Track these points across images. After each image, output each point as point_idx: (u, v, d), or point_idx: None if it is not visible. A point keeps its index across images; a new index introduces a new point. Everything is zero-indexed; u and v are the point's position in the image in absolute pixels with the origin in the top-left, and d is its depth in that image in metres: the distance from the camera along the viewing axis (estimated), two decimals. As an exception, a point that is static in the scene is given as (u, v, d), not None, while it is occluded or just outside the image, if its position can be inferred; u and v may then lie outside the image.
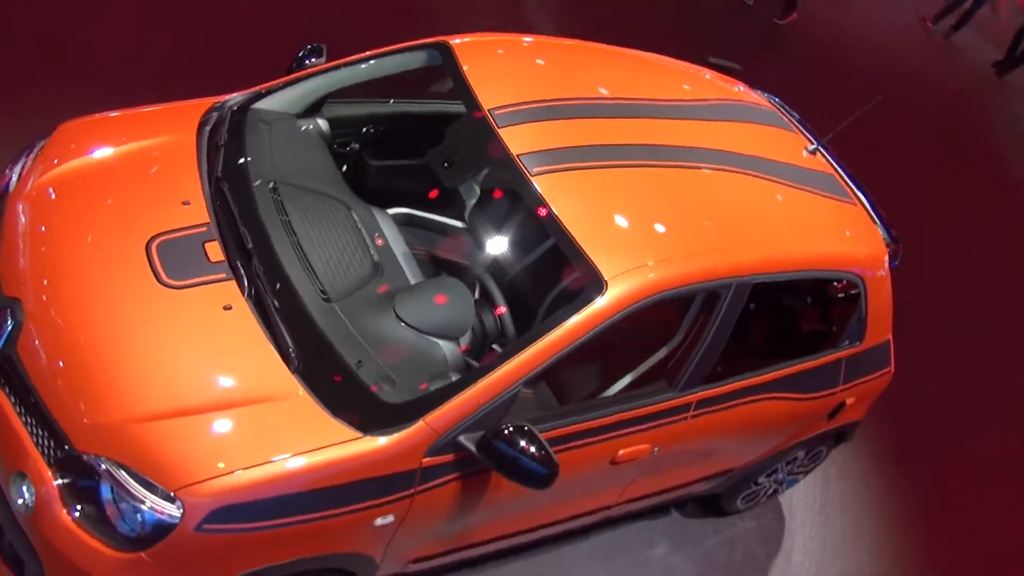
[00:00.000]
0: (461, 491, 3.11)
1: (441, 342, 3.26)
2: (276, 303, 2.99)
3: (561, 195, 3.25)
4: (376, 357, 3.05)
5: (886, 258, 4.09)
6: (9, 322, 2.88)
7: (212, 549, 2.69)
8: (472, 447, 2.94)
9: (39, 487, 2.71)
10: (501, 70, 3.72)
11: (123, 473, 2.65)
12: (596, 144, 3.48)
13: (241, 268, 3.04)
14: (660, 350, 3.53)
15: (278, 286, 3.03)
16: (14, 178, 3.28)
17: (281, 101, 3.69)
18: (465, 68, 3.58)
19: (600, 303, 3.05)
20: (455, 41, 3.72)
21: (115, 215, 3.12)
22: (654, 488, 3.99)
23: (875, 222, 4.21)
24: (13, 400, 2.81)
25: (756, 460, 4.32)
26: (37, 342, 2.83)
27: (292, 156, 3.52)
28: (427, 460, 2.93)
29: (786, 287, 4.19)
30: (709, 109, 4.09)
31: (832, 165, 4.36)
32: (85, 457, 2.67)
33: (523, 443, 2.90)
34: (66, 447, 2.69)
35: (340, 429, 2.81)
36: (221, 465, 2.67)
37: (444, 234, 4.14)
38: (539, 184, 3.24)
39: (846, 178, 4.34)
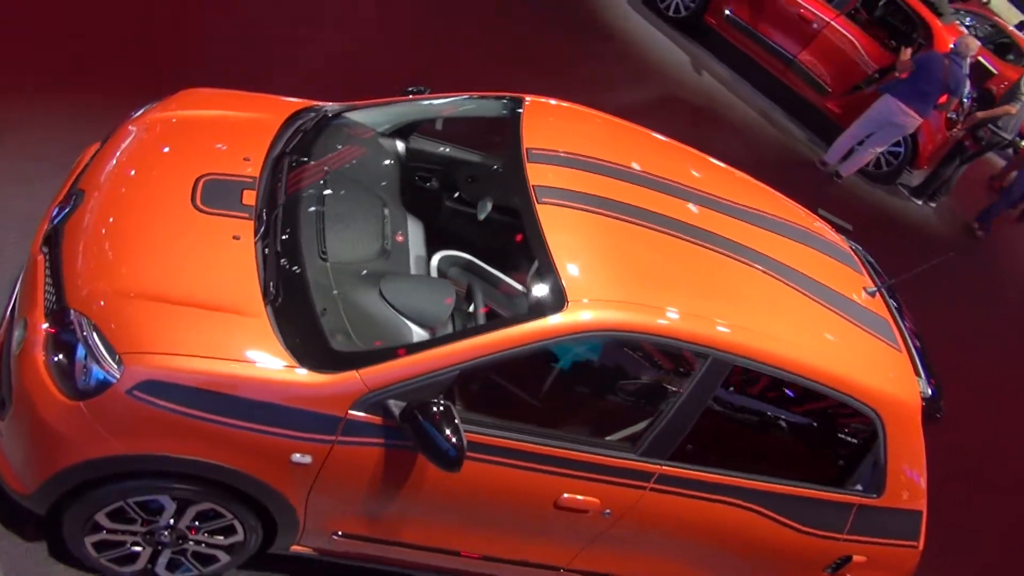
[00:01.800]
0: (384, 464, 3.24)
1: (413, 327, 3.48)
2: (278, 247, 3.38)
3: (557, 223, 3.47)
4: (342, 312, 3.34)
5: (917, 411, 3.88)
6: (70, 206, 3.46)
7: (137, 417, 2.99)
8: (396, 412, 3.11)
9: (32, 331, 3.17)
10: (555, 125, 4.06)
11: (94, 334, 3.06)
12: (619, 200, 3.69)
13: (264, 214, 3.48)
14: (624, 403, 3.54)
15: (286, 234, 3.43)
16: (135, 115, 3.95)
17: (369, 116, 4.21)
18: (524, 115, 3.95)
19: (553, 319, 3.19)
20: (531, 98, 4.12)
21: (187, 154, 3.69)
22: (609, 566, 3.86)
23: (918, 375, 4.03)
24: (47, 264, 3.33)
25: None
26: (80, 224, 3.37)
27: (357, 157, 3.98)
28: (353, 413, 3.13)
29: (798, 401, 4.06)
30: (766, 220, 4.17)
31: (892, 314, 4.26)
32: (71, 312, 3.11)
33: (440, 420, 3.03)
34: (61, 301, 3.15)
35: (283, 354, 3.10)
36: (168, 346, 3.02)
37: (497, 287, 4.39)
38: (541, 211, 3.49)
39: (903, 329, 4.22)
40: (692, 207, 3.91)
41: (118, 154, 3.66)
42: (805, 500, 3.83)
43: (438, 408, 3.05)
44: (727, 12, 10.81)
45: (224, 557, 3.51)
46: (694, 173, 4.23)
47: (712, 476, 3.64)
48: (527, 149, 3.77)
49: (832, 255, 4.34)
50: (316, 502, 3.33)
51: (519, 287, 4.29)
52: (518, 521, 3.56)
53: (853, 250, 4.61)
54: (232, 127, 3.90)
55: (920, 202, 11.33)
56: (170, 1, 6.62)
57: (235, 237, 3.38)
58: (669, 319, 3.34)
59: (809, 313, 3.79)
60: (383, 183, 4.03)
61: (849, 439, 4.16)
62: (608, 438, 3.53)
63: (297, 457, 3.15)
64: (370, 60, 7.26)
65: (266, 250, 3.37)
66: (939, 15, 10.35)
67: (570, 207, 3.57)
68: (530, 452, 3.36)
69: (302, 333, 3.18)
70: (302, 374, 3.08)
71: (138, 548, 3.40)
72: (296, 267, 3.36)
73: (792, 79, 10.82)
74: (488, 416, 3.38)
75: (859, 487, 3.93)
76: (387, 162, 4.15)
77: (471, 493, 3.41)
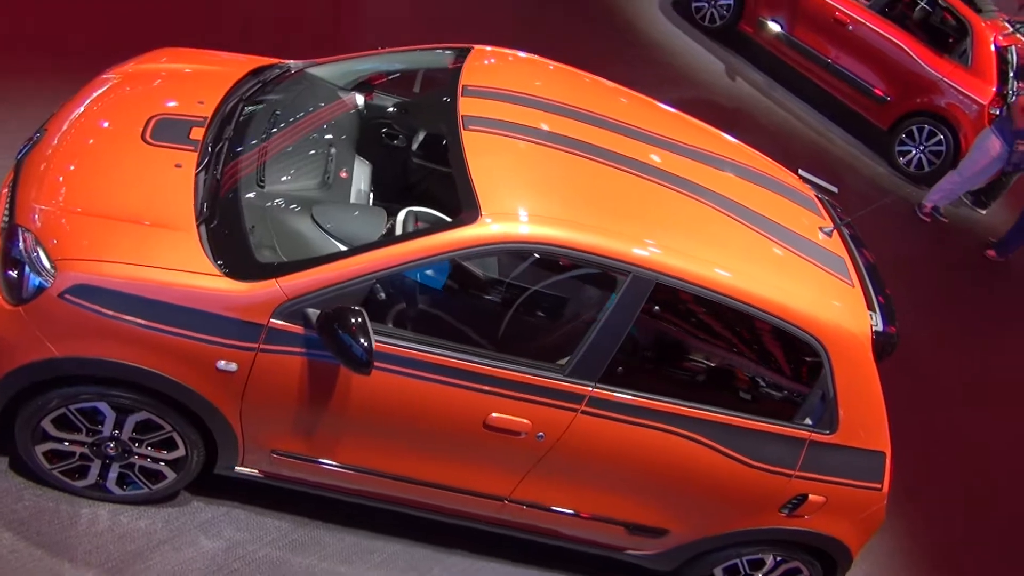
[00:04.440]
0: (309, 375, 3.36)
1: (341, 247, 3.61)
2: (217, 174, 3.58)
3: (480, 147, 3.58)
4: (271, 231, 3.50)
5: (866, 344, 3.82)
6: (30, 144, 3.74)
7: (69, 319, 3.19)
8: (313, 319, 3.24)
9: None
10: (497, 67, 4.19)
11: (37, 246, 3.28)
12: (550, 131, 3.78)
13: (208, 147, 3.69)
14: (551, 323, 3.58)
15: (226, 163, 3.64)
16: (108, 70, 4.24)
17: (329, 70, 4.41)
18: (469, 58, 4.10)
19: (466, 231, 3.29)
20: (480, 47, 4.27)
21: (145, 99, 3.95)
22: (554, 499, 3.86)
23: (872, 310, 3.96)
24: (8, 196, 3.60)
25: (696, 532, 4.04)
26: (38, 157, 3.63)
27: (310, 104, 4.17)
28: (274, 321, 3.27)
29: (742, 331, 4.03)
30: (715, 160, 4.19)
31: (850, 253, 4.21)
32: (18, 228, 3.35)
33: (349, 322, 3.15)
34: (12, 220, 3.40)
35: (208, 265, 3.28)
36: (99, 253, 3.23)
37: None
38: (467, 136, 3.61)
39: (861, 267, 4.17)
40: (634, 143, 3.96)
41: (84, 101, 3.94)
42: (751, 432, 3.79)
43: (349, 311, 3.17)
44: (762, 19, 10.81)
45: (170, 474, 3.66)
46: (646, 116, 4.29)
47: (648, 402, 3.64)
48: (463, 86, 3.91)
49: (789, 197, 4.32)
50: (249, 415, 3.46)
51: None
52: (451, 441, 3.62)
53: (819, 200, 4.57)
54: (195, 77, 4.16)
55: (976, 208, 10.88)
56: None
57: (177, 165, 3.60)
58: (585, 235, 3.38)
59: (746, 241, 3.79)
60: (335, 129, 4.20)
61: (795, 370, 4.10)
62: (535, 358, 3.56)
63: (223, 364, 3.30)
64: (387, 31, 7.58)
65: (204, 176, 3.57)
66: (979, 11, 10.16)
67: (496, 134, 3.68)
68: (456, 368, 3.44)
69: (229, 247, 3.36)
70: (224, 282, 3.25)
71: (87, 462, 3.59)
72: (230, 190, 3.55)
73: (835, 85, 10.69)
74: (413, 331, 3.47)
75: (808, 421, 3.87)
76: (341, 110, 4.31)
77: (399, 409, 3.49)
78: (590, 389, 3.57)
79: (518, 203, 3.40)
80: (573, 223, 3.40)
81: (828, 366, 3.76)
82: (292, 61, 4.44)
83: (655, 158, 3.93)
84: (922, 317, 7.51)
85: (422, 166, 4.56)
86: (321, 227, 3.59)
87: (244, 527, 3.91)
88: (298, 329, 3.29)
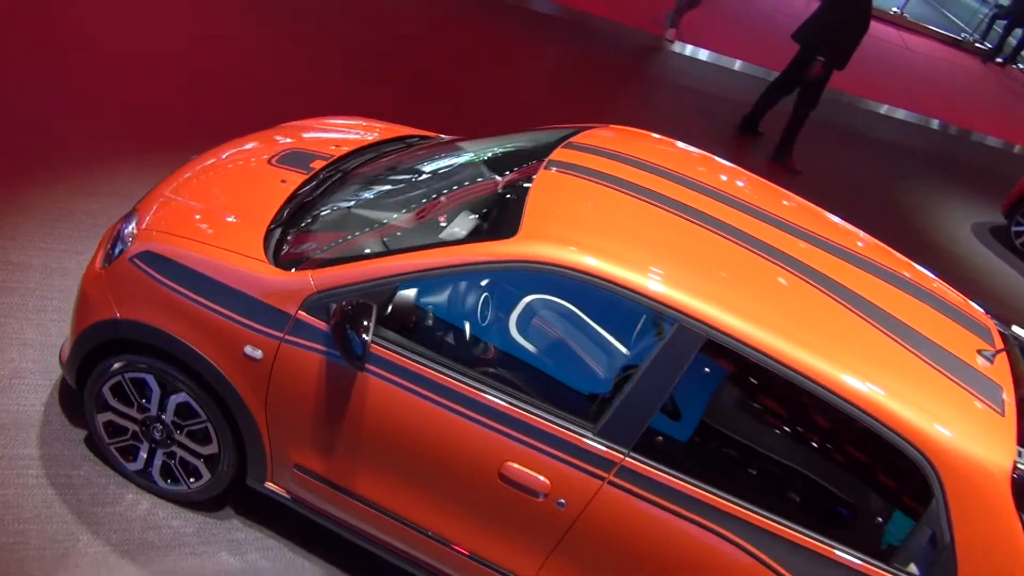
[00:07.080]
0: (325, 375, 3.27)
1: None
2: (311, 193, 3.77)
3: (549, 183, 3.43)
4: (335, 236, 3.56)
5: (1003, 481, 2.96)
6: (189, 159, 4.22)
7: (133, 282, 3.44)
8: (332, 311, 3.20)
9: (110, 229, 3.87)
10: (614, 135, 4.02)
11: (138, 222, 3.64)
12: (631, 182, 3.53)
13: (319, 174, 3.91)
14: (586, 369, 3.20)
15: (325, 187, 3.82)
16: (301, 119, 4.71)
17: (476, 146, 4.51)
18: (593, 127, 4.03)
19: (499, 245, 3.12)
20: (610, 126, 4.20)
21: (297, 137, 4.31)
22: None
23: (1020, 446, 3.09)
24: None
25: None
26: (191, 165, 4.07)
27: (441, 167, 4.28)
28: (301, 313, 3.26)
29: (830, 428, 3.28)
30: (878, 269, 3.65)
31: (1018, 385, 3.38)
32: (135, 212, 3.74)
33: (356, 314, 3.07)
34: (135, 207, 3.82)
35: (258, 251, 3.40)
36: (172, 229, 3.49)
37: None
38: (542, 174, 3.49)
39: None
40: (724, 207, 3.56)
41: (254, 136, 4.38)
42: (830, 563, 3.02)
43: (360, 305, 3.09)
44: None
45: (205, 472, 3.67)
46: (755, 194, 3.88)
47: (693, 488, 3.05)
48: (568, 142, 3.83)
49: (962, 323, 3.59)
50: (273, 415, 3.41)
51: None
52: (464, 487, 3.27)
53: (999, 330, 3.76)
54: (349, 130, 4.49)
55: None
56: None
57: (282, 181, 3.84)
58: (623, 270, 3.02)
59: (878, 347, 3.13)
60: (454, 188, 4.20)
61: (901, 499, 3.22)
62: (564, 407, 3.16)
63: (249, 350, 3.32)
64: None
65: (298, 191, 3.77)
66: None
67: (572, 175, 3.52)
68: (475, 399, 3.16)
69: (283, 241, 3.47)
70: (265, 268, 3.33)
71: (137, 443, 3.71)
72: (311, 203, 3.71)
73: None
74: (439, 353, 3.25)
75: (914, 569, 3.01)
76: (470, 178, 4.35)
77: (412, 433, 3.25)
78: (622, 456, 3.09)
79: (560, 229, 3.18)
80: (615, 256, 3.08)
81: (941, 498, 2.93)
82: (445, 135, 4.64)
83: (749, 226, 3.50)
84: None
85: None
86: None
87: (272, 557, 3.76)
88: (321, 325, 3.25)
